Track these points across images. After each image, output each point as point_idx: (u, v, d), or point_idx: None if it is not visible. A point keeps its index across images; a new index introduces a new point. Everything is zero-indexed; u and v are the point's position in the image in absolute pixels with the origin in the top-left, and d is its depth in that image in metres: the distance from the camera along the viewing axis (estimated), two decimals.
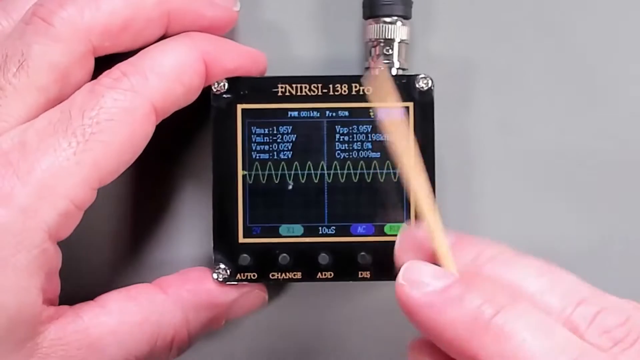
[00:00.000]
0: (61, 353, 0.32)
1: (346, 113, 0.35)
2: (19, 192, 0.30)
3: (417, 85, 0.35)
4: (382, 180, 0.35)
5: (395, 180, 0.35)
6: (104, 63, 0.33)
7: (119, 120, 0.32)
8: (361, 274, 0.35)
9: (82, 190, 0.31)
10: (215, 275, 0.35)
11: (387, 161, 0.35)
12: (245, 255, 0.35)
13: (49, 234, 0.31)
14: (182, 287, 0.35)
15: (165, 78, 0.33)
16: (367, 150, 0.35)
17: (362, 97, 0.35)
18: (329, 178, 0.35)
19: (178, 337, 0.34)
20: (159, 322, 0.34)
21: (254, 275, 0.35)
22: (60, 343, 0.32)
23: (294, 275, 0.35)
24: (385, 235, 0.35)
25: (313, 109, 0.35)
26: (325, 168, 0.35)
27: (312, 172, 0.35)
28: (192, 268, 0.36)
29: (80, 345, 0.32)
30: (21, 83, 0.32)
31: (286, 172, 0.35)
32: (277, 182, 0.35)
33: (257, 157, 0.35)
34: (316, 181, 0.35)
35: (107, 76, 0.32)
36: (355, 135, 0.35)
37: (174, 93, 0.33)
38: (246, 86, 0.35)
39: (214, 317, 0.35)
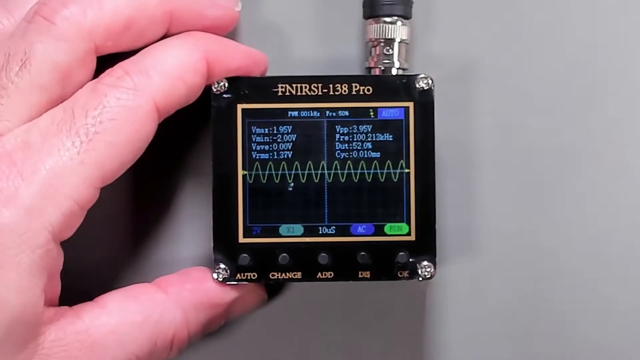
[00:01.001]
0: (63, 354, 0.31)
1: (346, 113, 0.35)
2: (24, 193, 0.30)
3: (417, 85, 0.35)
4: (382, 180, 0.35)
5: (396, 180, 0.35)
6: (105, 62, 0.33)
7: (122, 120, 0.32)
8: (361, 274, 0.35)
9: (86, 190, 0.31)
10: (215, 275, 0.35)
11: (387, 161, 0.35)
12: (245, 255, 0.35)
13: (52, 234, 0.31)
14: (182, 286, 0.35)
15: (168, 76, 0.32)
16: (368, 150, 0.35)
17: (362, 97, 0.35)
18: (329, 178, 0.35)
19: (178, 337, 0.34)
20: (160, 321, 0.34)
21: (253, 275, 0.35)
22: (61, 344, 0.32)
23: (294, 275, 0.35)
24: (385, 235, 0.35)
25: (313, 109, 0.35)
26: (325, 168, 0.35)
27: (313, 171, 0.35)
28: (193, 268, 0.36)
29: (82, 346, 0.32)
30: (24, 82, 0.31)
31: (286, 172, 0.35)
32: (277, 182, 0.35)
33: (257, 157, 0.35)
34: (316, 181, 0.35)
35: (109, 75, 0.32)
36: (355, 135, 0.35)
37: (177, 92, 0.33)
38: (246, 86, 0.35)
39: (214, 316, 0.35)
